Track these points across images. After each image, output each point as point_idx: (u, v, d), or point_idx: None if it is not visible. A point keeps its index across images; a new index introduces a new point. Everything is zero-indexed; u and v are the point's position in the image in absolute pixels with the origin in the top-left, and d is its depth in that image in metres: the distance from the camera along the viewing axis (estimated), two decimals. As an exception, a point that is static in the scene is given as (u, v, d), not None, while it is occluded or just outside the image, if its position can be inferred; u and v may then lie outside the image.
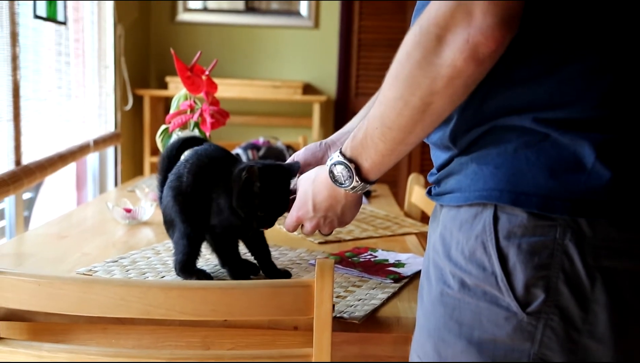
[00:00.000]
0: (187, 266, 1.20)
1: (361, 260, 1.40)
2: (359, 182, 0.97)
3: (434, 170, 0.95)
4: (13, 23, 2.05)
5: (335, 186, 1.01)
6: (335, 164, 0.98)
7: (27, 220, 2.61)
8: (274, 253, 1.42)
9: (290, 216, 1.12)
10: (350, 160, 0.96)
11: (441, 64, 0.76)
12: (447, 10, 0.74)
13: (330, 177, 1.00)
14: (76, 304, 0.98)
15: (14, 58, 2.07)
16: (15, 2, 2.05)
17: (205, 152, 1.21)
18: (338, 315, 1.07)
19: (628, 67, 0.79)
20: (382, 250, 1.48)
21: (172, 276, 1.23)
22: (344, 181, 0.98)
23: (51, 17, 2.39)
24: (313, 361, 0.97)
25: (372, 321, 1.09)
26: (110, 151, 3.17)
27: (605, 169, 0.77)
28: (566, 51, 0.79)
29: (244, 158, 2.91)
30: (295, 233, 1.20)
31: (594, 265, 0.77)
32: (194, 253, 1.21)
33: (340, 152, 0.97)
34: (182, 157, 1.25)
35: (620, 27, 0.79)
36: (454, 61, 0.75)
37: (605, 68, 0.78)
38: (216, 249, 1.22)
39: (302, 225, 1.12)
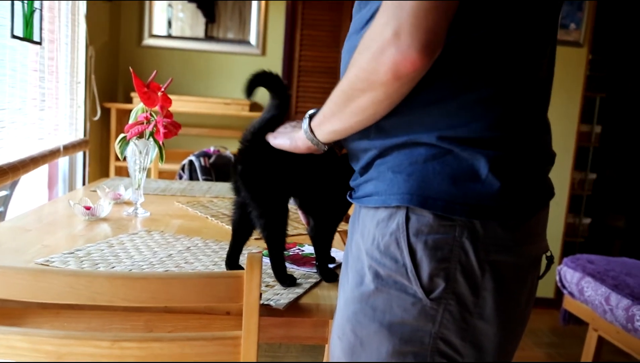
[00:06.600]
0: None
1: (290, 253, 1.36)
2: (307, 129, 0.93)
3: (355, 175, 0.92)
4: (-10, 41, 1.94)
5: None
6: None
7: (2, 215, 2.47)
8: (215, 247, 1.35)
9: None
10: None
11: (374, 72, 0.73)
12: (381, 29, 0.71)
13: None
14: (28, 291, 0.91)
15: (-10, 72, 1.96)
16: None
17: None
18: (265, 303, 1.03)
19: (515, 100, 0.80)
20: (308, 245, 1.44)
21: (121, 267, 1.15)
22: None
23: (27, 38, 2.26)
24: (242, 342, 0.92)
25: (295, 307, 1.05)
26: (80, 155, 3.04)
27: (496, 180, 0.77)
28: (465, 82, 0.78)
29: (196, 164, 2.83)
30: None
31: (485, 258, 0.78)
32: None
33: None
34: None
35: (509, 67, 0.79)
36: (381, 73, 0.73)
37: (498, 99, 0.79)
38: None
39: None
